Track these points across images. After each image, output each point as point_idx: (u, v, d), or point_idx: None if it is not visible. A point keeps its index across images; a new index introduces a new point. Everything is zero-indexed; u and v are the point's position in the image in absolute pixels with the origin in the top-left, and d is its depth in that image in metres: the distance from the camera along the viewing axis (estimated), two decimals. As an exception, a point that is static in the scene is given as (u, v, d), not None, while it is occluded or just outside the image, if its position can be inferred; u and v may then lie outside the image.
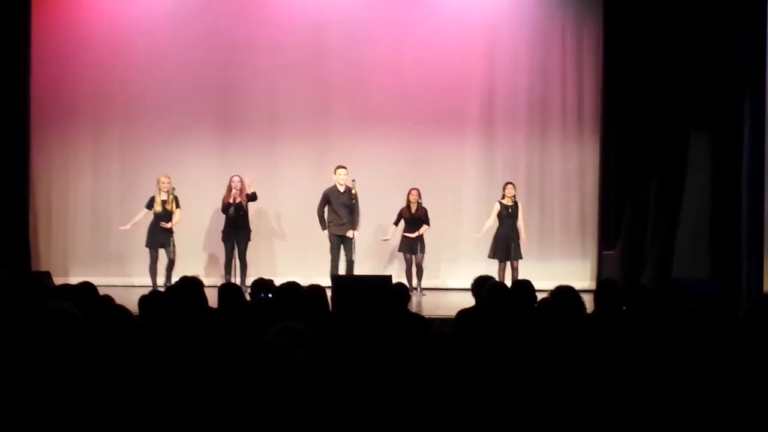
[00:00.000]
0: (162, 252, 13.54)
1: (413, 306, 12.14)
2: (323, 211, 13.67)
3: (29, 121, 14.57)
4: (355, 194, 13.52)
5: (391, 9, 15.04)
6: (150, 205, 13.58)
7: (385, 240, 14.18)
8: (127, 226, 13.77)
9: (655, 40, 13.88)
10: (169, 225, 13.44)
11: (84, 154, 14.94)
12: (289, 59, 14.89)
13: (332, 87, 14.99)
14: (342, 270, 13.49)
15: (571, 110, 15.03)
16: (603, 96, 14.84)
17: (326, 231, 13.64)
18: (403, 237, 13.91)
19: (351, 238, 13.54)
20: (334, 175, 13.65)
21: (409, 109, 14.95)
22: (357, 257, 13.60)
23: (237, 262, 13.80)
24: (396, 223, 13.96)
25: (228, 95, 14.96)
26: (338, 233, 13.59)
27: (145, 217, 13.67)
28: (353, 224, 13.59)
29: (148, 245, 13.59)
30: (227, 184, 13.78)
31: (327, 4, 14.95)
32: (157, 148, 14.87)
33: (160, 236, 13.48)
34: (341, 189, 13.61)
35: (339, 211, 13.58)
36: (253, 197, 13.78)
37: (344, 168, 13.64)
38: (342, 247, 13.62)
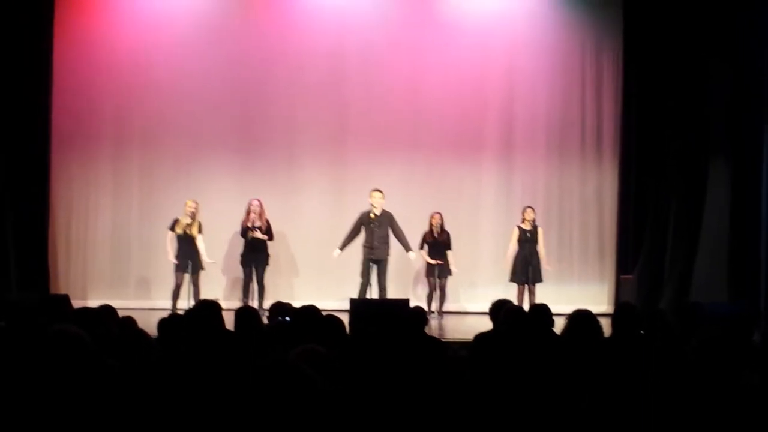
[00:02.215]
0: (186, 277, 13.60)
1: (432, 329, 12.14)
2: (351, 235, 13.66)
3: (50, 144, 14.62)
4: (374, 218, 13.52)
5: (410, 35, 15.09)
6: (173, 227, 13.65)
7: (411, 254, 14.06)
8: (171, 257, 13.69)
9: (675, 65, 13.89)
10: (206, 259, 13.65)
11: (104, 177, 15.00)
12: (308, 84, 14.96)
13: (351, 112, 15.04)
14: (373, 295, 13.45)
15: (590, 135, 15.05)
16: (622, 121, 14.85)
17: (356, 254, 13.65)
18: (428, 262, 13.91)
19: (383, 262, 13.54)
20: (369, 199, 13.65)
21: (427, 134, 14.99)
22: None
23: (255, 286, 13.84)
24: (421, 247, 13.94)
25: (247, 120, 15.02)
26: (370, 257, 13.58)
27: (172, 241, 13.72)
28: (387, 248, 13.62)
29: (176, 269, 13.62)
30: (246, 207, 13.83)
31: (346, 31, 15.01)
32: (177, 171, 14.94)
33: (185, 261, 13.54)
34: (377, 212, 13.60)
35: (372, 234, 13.58)
36: (269, 235, 13.86)
37: (379, 191, 13.64)
38: (376, 272, 13.60)
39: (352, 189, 14.57)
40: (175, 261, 13.60)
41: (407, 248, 13.70)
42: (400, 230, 13.70)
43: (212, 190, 14.71)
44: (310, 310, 7.23)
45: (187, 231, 13.57)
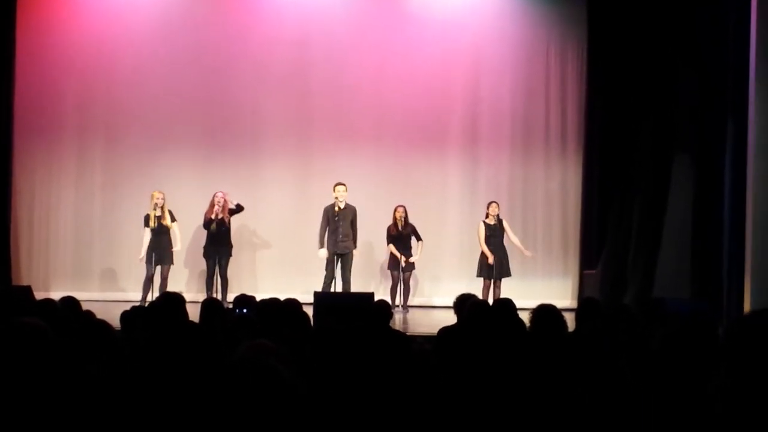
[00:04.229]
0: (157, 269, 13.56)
1: (397, 323, 12.14)
2: (324, 230, 13.64)
3: (12, 134, 14.48)
4: (339, 211, 13.49)
5: (375, 27, 15.07)
6: (147, 222, 13.56)
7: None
8: (142, 255, 13.61)
9: (639, 60, 13.94)
10: (178, 247, 13.65)
11: (67, 168, 14.89)
12: (272, 76, 14.91)
13: (315, 104, 15.00)
14: (337, 288, 13.43)
15: (555, 130, 15.07)
16: (586, 115, 14.87)
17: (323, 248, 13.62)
18: (392, 255, 13.89)
19: (348, 256, 13.50)
20: (333, 192, 13.61)
21: (392, 128, 14.98)
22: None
23: (219, 278, 13.79)
24: (389, 243, 13.92)
25: (211, 111, 14.94)
26: (335, 251, 13.54)
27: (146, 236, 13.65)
28: (354, 241, 13.59)
29: (148, 261, 13.52)
30: (210, 199, 13.78)
31: (311, 22, 14.96)
32: (140, 163, 14.83)
33: (158, 253, 13.46)
34: (341, 206, 13.56)
35: (337, 228, 13.53)
36: (239, 209, 13.79)
37: (343, 185, 13.60)
38: (339, 264, 13.58)
39: (317, 181, 14.54)
40: (143, 257, 13.57)
41: (354, 244, 13.71)
42: (355, 226, 13.69)
43: (175, 182, 14.63)
44: (273, 303, 7.21)
45: (162, 222, 13.51)
